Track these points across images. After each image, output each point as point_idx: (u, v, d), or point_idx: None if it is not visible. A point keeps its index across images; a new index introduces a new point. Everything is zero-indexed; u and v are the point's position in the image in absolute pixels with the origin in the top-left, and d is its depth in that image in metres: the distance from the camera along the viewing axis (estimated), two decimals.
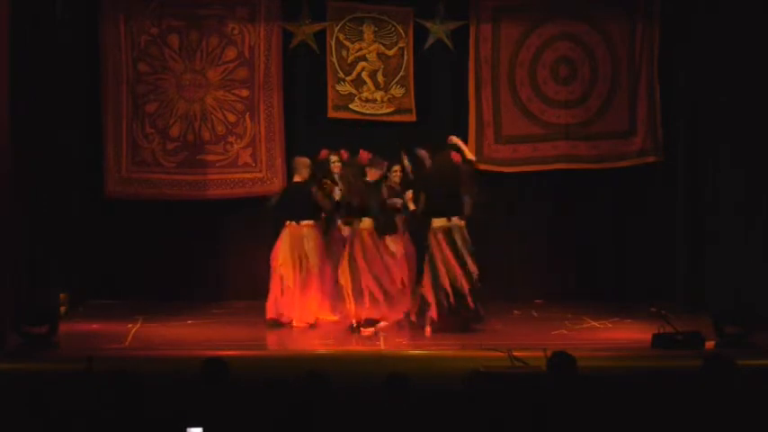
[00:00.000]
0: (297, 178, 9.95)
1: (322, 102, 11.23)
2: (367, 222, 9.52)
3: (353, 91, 11.24)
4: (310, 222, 9.82)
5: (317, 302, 9.79)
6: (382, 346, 8.83)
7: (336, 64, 11.22)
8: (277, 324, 9.65)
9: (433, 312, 9.21)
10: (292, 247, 9.74)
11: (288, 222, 9.83)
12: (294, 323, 9.68)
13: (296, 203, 9.83)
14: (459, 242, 9.32)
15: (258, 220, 10.84)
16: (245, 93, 11.19)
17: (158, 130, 11.13)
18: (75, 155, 10.86)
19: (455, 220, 9.39)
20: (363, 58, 11.24)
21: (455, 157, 9.47)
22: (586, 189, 11.33)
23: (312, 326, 9.69)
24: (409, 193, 9.66)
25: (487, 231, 10.63)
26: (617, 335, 9.35)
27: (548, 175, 11.30)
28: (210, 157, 11.15)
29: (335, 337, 9.30)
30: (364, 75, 11.24)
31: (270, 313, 9.69)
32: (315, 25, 11.18)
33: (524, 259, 11.29)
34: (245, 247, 11.04)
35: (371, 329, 9.31)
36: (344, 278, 9.46)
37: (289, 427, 5.31)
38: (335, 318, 9.79)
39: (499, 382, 6.65)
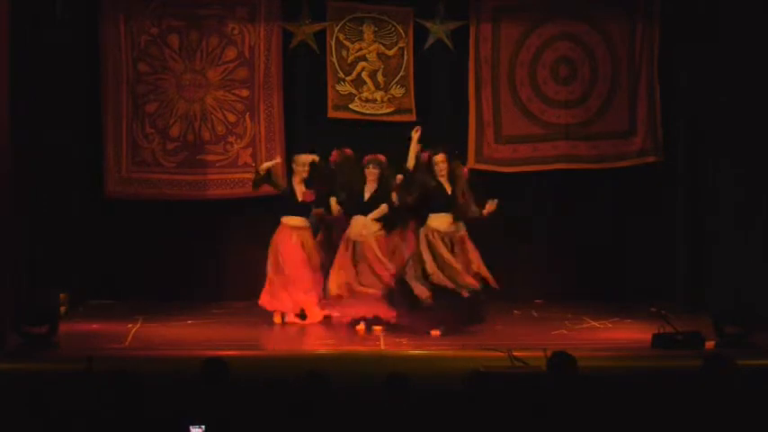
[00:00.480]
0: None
1: (322, 102, 11.23)
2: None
3: (353, 91, 11.24)
4: (294, 220, 9.80)
5: (295, 299, 9.78)
6: (382, 346, 8.83)
7: (336, 64, 11.22)
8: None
9: None
10: (275, 246, 9.76)
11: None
12: (279, 320, 9.76)
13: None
14: (425, 245, 9.27)
15: (258, 220, 10.83)
16: (245, 93, 11.20)
17: (158, 130, 11.14)
18: (75, 155, 10.86)
19: (429, 220, 9.36)
20: (363, 58, 11.24)
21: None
22: (586, 189, 11.33)
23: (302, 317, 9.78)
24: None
25: (487, 231, 10.62)
26: (617, 335, 9.34)
27: (548, 175, 11.30)
28: (210, 157, 11.16)
29: (335, 337, 9.30)
30: (364, 75, 11.24)
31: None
32: (315, 25, 11.19)
33: (524, 259, 11.28)
34: (245, 247, 11.03)
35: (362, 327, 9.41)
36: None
37: (289, 427, 5.31)
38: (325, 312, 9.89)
39: (499, 382, 6.65)
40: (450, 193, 9.39)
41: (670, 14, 10.99)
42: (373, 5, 11.24)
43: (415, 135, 9.52)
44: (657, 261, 11.16)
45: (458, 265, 9.24)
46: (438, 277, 9.16)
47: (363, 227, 9.52)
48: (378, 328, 9.37)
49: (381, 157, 9.67)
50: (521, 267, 11.27)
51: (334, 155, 9.89)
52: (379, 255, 9.45)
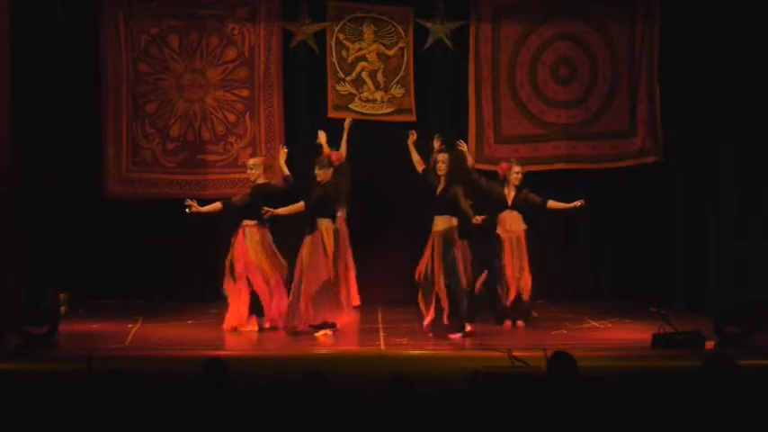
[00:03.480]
0: (262, 179, 9.67)
1: (322, 102, 11.23)
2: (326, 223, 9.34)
3: (353, 91, 11.24)
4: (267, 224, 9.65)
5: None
6: (382, 346, 8.83)
7: (336, 64, 11.23)
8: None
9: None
10: (272, 249, 9.60)
11: (254, 223, 9.56)
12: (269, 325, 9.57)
13: (262, 204, 9.51)
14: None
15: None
16: (245, 93, 11.20)
17: (158, 130, 11.15)
18: (75, 155, 10.87)
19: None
20: (363, 58, 11.25)
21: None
22: (586, 189, 11.32)
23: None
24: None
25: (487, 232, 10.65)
26: (617, 335, 9.34)
27: (548, 175, 11.29)
28: (210, 157, 11.17)
29: (335, 338, 9.28)
30: (364, 75, 11.24)
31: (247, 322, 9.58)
32: (315, 25, 11.19)
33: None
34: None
35: (324, 332, 9.19)
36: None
37: (289, 427, 5.30)
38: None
39: (499, 382, 6.64)
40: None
41: (670, 15, 10.98)
42: (373, 5, 11.25)
43: (411, 138, 9.52)
44: (657, 261, 11.16)
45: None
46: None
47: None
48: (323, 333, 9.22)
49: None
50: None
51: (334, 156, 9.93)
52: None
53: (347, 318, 9.47)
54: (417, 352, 8.48)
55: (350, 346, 8.99)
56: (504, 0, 11.26)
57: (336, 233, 9.36)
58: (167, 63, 11.14)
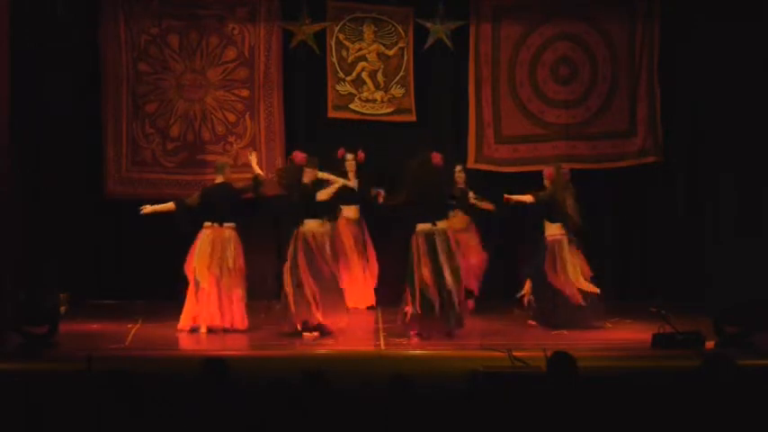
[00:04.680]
0: (219, 179, 9.72)
1: (322, 102, 11.23)
2: (311, 224, 9.33)
3: (353, 91, 11.24)
4: (232, 224, 9.65)
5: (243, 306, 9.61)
6: (382, 346, 8.83)
7: (336, 64, 11.23)
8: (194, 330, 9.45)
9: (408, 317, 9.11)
10: (213, 250, 9.52)
11: (209, 224, 9.61)
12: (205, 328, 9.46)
13: (219, 205, 9.61)
14: (440, 247, 9.20)
15: (257, 220, 10.83)
16: (245, 93, 11.21)
17: (158, 130, 11.15)
18: (76, 155, 10.87)
19: (439, 224, 9.26)
20: (363, 58, 11.25)
21: (436, 158, 9.36)
22: (586, 189, 11.31)
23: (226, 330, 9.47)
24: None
25: (487, 232, 10.65)
26: (617, 335, 9.34)
27: None
28: (210, 157, 11.16)
29: (335, 338, 9.28)
30: (364, 75, 11.24)
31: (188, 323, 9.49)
32: (315, 25, 11.19)
33: (524, 259, 11.26)
34: (245, 247, 11.00)
35: (314, 334, 9.12)
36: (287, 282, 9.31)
37: (289, 427, 5.30)
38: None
39: (499, 382, 6.64)
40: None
41: (670, 14, 10.99)
42: (373, 5, 11.25)
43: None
44: (657, 261, 11.16)
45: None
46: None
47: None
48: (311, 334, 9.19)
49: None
50: (521, 267, 11.26)
51: (361, 155, 10.36)
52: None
53: (331, 320, 9.38)
54: (417, 352, 8.48)
55: (350, 346, 8.99)
56: (504, 0, 11.26)
57: (316, 233, 9.31)
58: (167, 63, 11.15)
